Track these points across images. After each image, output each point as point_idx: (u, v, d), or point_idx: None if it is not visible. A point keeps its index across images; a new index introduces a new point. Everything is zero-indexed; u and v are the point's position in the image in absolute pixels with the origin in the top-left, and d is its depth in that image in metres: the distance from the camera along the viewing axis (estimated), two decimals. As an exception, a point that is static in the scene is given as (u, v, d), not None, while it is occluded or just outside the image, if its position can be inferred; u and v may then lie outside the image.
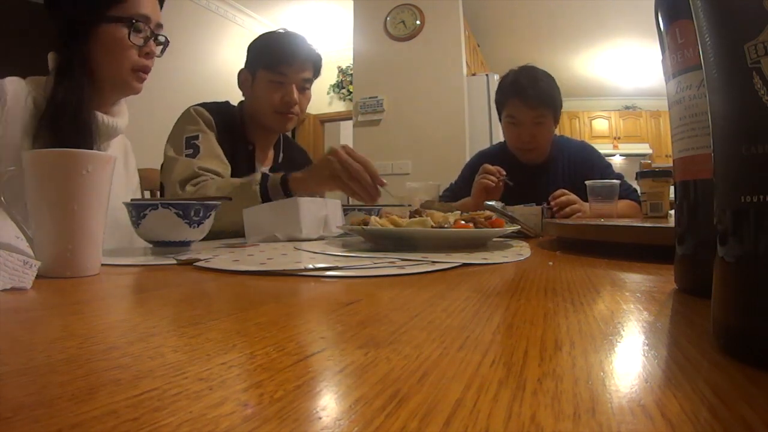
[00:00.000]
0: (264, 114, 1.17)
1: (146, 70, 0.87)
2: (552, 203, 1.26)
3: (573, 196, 1.27)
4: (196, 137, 1.06)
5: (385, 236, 0.66)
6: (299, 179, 0.95)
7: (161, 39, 0.89)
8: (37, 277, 0.36)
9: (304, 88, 1.19)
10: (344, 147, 0.93)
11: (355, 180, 0.90)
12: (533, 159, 1.52)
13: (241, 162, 1.14)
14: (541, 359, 0.19)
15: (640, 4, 3.28)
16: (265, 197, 0.92)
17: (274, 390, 0.16)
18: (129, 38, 0.81)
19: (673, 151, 0.34)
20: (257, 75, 1.16)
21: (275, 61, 1.14)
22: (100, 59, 0.82)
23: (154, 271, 0.49)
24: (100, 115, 0.83)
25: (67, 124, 0.76)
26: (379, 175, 0.92)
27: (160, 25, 0.87)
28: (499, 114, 1.54)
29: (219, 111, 1.15)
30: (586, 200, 1.24)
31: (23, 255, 0.36)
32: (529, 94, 1.39)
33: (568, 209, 1.25)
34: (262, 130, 1.21)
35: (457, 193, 1.55)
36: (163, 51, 0.91)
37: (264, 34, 1.22)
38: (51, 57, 0.82)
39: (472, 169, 1.53)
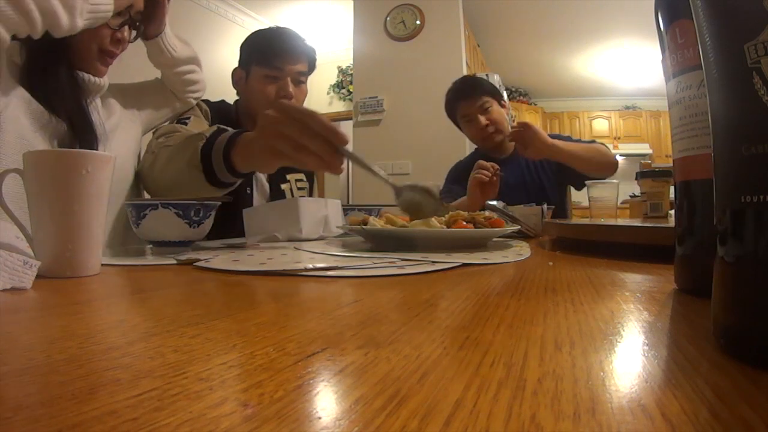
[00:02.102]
0: (260, 110, 1.15)
1: (112, 55, 0.84)
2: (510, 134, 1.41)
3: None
4: (188, 118, 1.04)
5: (385, 236, 0.66)
6: (244, 156, 0.71)
7: (137, 25, 0.86)
8: (37, 277, 0.36)
9: (299, 81, 1.18)
10: (278, 105, 0.65)
11: (304, 149, 0.61)
12: (499, 144, 1.63)
13: None
14: (541, 359, 0.19)
15: (640, 4, 3.28)
16: (206, 159, 0.73)
17: (274, 390, 0.16)
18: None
19: (673, 151, 0.34)
20: (251, 71, 1.16)
21: (268, 55, 1.14)
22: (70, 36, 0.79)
23: (154, 271, 0.49)
24: (80, 73, 0.82)
25: (54, 79, 0.75)
26: (336, 130, 0.61)
27: (140, 12, 0.85)
28: (458, 125, 1.71)
29: (216, 107, 1.15)
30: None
31: (23, 255, 0.36)
32: (468, 91, 1.62)
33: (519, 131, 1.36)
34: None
35: (457, 192, 1.57)
36: (136, 37, 0.88)
37: (256, 31, 1.21)
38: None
39: (450, 180, 1.72)
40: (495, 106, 1.61)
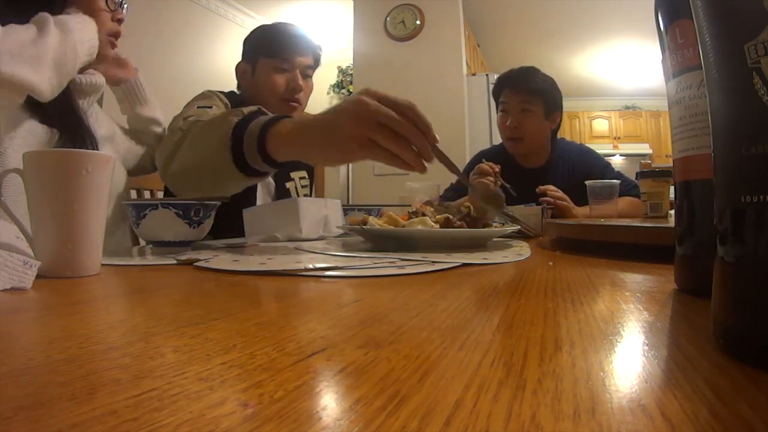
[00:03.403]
0: (268, 103, 1.11)
1: (118, 35, 0.85)
2: (548, 195, 1.28)
3: (562, 194, 1.30)
4: (209, 107, 0.98)
5: (385, 236, 0.66)
6: (294, 140, 0.64)
7: (125, 3, 0.88)
8: (37, 277, 0.36)
9: (307, 75, 1.17)
10: (370, 92, 0.60)
11: (401, 142, 0.58)
12: (524, 154, 1.53)
13: None
14: (541, 359, 0.19)
15: (639, 4, 3.27)
16: (237, 141, 0.66)
17: (274, 390, 0.16)
18: (106, 2, 0.81)
19: (673, 151, 0.33)
20: (258, 64, 1.14)
21: (277, 46, 1.12)
22: None
23: (154, 271, 0.49)
24: (76, 77, 0.81)
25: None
26: (431, 127, 0.60)
27: None
28: (497, 111, 1.56)
29: (231, 99, 1.13)
30: (586, 202, 1.25)
31: (23, 255, 0.36)
32: (518, 81, 1.47)
33: (559, 202, 1.27)
34: None
35: (458, 193, 1.56)
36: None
37: (261, 26, 1.20)
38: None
39: (472, 168, 1.51)
40: (537, 114, 1.45)
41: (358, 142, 0.59)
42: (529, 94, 1.45)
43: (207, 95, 1.08)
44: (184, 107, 1.01)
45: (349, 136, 0.59)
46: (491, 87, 3.30)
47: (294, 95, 1.14)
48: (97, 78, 0.86)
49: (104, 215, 0.45)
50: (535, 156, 1.53)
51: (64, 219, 0.42)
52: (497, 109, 1.57)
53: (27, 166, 0.43)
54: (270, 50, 1.13)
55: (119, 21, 0.85)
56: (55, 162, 0.42)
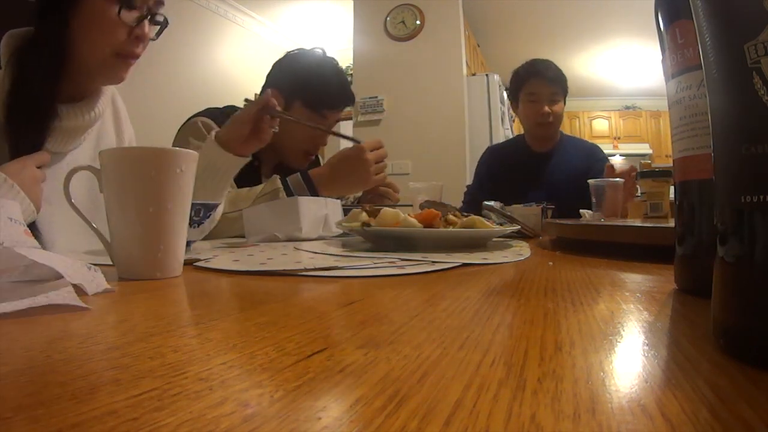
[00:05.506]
0: (288, 148, 1.12)
1: (134, 56, 0.71)
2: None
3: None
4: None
5: (385, 236, 0.66)
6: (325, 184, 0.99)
7: (159, 18, 0.73)
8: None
9: (332, 126, 1.17)
10: (365, 148, 0.99)
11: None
12: (545, 141, 1.67)
13: (246, 178, 1.03)
14: (541, 359, 0.19)
15: (639, 4, 3.28)
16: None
17: (274, 390, 0.16)
18: (118, 14, 0.67)
19: (673, 151, 0.34)
20: (293, 107, 1.09)
21: (319, 101, 1.09)
22: (77, 38, 0.67)
23: (154, 271, 0.49)
24: (61, 110, 0.70)
25: (22, 121, 0.64)
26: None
27: (160, 2, 0.72)
28: (516, 99, 1.68)
29: (225, 119, 1.09)
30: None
31: (18, 237, 0.36)
32: (547, 72, 1.62)
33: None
34: (276, 154, 1.14)
35: (475, 196, 1.59)
36: (159, 33, 0.75)
37: (307, 59, 1.13)
38: (6, 41, 0.68)
39: (485, 166, 1.75)
40: (561, 102, 1.64)
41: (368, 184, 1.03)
42: (557, 84, 1.60)
43: (201, 134, 1.03)
44: (178, 143, 1.00)
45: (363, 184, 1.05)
46: (491, 87, 3.32)
47: (316, 151, 1.14)
48: (87, 115, 0.73)
49: (188, 214, 0.45)
50: (551, 140, 1.67)
51: (156, 219, 0.41)
52: (517, 102, 1.67)
53: (108, 165, 0.41)
54: (310, 100, 1.09)
55: (138, 39, 0.70)
56: (147, 160, 0.41)
